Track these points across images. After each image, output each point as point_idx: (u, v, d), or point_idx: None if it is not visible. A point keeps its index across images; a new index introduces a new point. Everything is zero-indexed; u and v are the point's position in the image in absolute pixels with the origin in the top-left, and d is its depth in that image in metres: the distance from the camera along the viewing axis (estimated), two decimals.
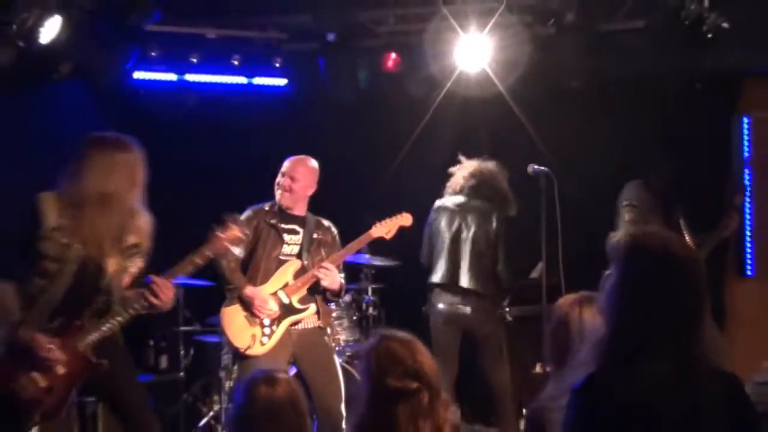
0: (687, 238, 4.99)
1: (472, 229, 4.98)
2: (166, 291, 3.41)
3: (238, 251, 4.26)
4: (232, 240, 3.64)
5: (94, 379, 3.44)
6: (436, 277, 5.01)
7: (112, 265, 3.42)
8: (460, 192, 5.05)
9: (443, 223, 5.02)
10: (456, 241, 4.99)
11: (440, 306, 5.01)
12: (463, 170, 5.08)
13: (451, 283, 4.96)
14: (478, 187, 5.02)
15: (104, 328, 3.41)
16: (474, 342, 5.04)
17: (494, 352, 5.05)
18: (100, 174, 3.37)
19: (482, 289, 4.95)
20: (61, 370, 3.35)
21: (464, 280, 4.93)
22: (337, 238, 4.53)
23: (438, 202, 5.12)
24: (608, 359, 1.96)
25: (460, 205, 5.03)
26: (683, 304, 1.97)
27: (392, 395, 2.33)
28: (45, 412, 3.37)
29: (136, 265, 3.51)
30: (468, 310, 4.98)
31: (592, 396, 1.94)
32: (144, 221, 3.51)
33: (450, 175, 5.12)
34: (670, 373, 1.90)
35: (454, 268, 4.96)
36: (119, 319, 3.43)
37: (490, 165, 5.07)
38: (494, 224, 4.96)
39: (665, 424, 1.88)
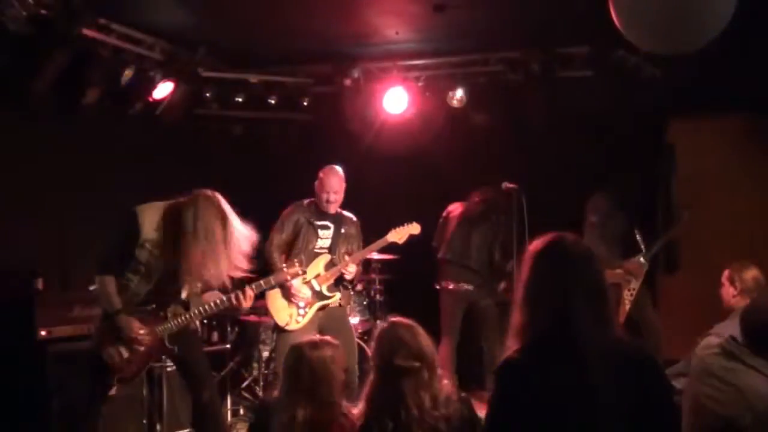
0: (639, 240, 5.01)
1: (480, 227, 5.20)
2: (249, 299, 3.51)
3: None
4: (293, 275, 3.82)
5: (176, 353, 3.52)
6: (449, 255, 5.20)
7: (191, 281, 3.42)
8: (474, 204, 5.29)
9: (455, 219, 5.25)
10: (468, 232, 5.19)
11: (451, 285, 5.19)
12: (479, 193, 5.31)
13: (461, 263, 5.16)
14: (486, 203, 5.25)
15: (181, 321, 3.46)
16: (476, 313, 5.21)
17: (492, 323, 5.19)
18: (205, 223, 3.22)
19: (483, 270, 5.17)
20: (141, 348, 3.41)
21: (472, 262, 5.15)
22: (359, 227, 4.52)
23: (451, 206, 5.34)
24: (523, 344, 1.88)
25: (469, 210, 5.26)
26: (579, 294, 1.83)
27: (399, 372, 2.36)
28: (122, 377, 3.44)
29: (206, 286, 3.49)
30: (472, 286, 5.16)
31: (508, 376, 1.86)
32: (223, 267, 3.31)
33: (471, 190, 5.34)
34: (573, 354, 1.79)
35: (465, 251, 5.17)
36: (194, 317, 3.50)
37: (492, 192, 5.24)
38: (491, 225, 5.20)
39: (570, 396, 1.78)
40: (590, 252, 1.95)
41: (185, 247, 3.21)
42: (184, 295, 3.48)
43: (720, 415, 2.52)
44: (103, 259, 3.40)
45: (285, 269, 3.75)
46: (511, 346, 1.91)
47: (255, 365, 5.38)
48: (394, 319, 2.51)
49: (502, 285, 5.31)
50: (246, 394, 5.37)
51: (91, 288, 3.55)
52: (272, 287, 3.72)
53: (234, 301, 3.46)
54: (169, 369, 4.43)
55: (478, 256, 5.18)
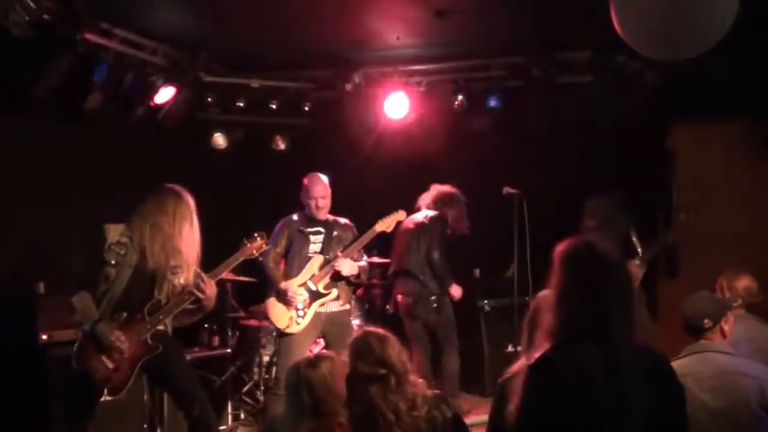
0: (636, 243, 5.00)
1: (420, 234, 4.99)
2: (210, 286, 3.51)
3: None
4: (257, 249, 3.78)
5: (151, 363, 3.48)
6: (396, 267, 5.05)
7: (160, 275, 3.50)
8: (418, 209, 5.14)
9: (403, 231, 5.04)
10: (407, 243, 5.00)
11: (398, 297, 5.03)
12: (425, 194, 5.17)
13: (402, 270, 4.98)
14: (431, 203, 5.11)
15: (159, 320, 3.47)
16: (428, 329, 4.99)
17: (441, 339, 4.95)
18: (159, 215, 3.49)
19: (424, 276, 4.91)
20: (124, 354, 3.41)
21: (412, 267, 4.93)
22: (355, 231, 4.54)
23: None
24: (555, 343, 1.96)
25: (416, 219, 5.07)
26: (610, 298, 1.94)
27: (364, 378, 2.39)
28: (112, 387, 3.42)
29: (178, 279, 3.55)
30: (411, 299, 4.95)
31: (543, 371, 1.94)
32: (185, 252, 3.55)
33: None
34: (603, 353, 1.89)
35: (406, 258, 4.97)
36: (168, 310, 3.50)
37: (442, 187, 5.14)
38: (435, 228, 4.98)
39: (600, 393, 1.87)
40: (623, 257, 2.06)
41: (156, 239, 3.46)
42: (157, 294, 3.50)
43: None
44: (77, 276, 3.49)
45: (248, 244, 3.75)
46: (544, 345, 1.99)
47: (255, 370, 5.37)
48: (367, 328, 2.59)
49: (457, 291, 4.98)
50: (247, 399, 5.36)
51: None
52: (237, 261, 3.70)
53: (196, 291, 3.47)
54: None
55: (416, 260, 4.95)
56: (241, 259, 3.73)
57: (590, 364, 1.88)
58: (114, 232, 3.49)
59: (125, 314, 3.44)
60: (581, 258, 2.00)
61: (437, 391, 2.52)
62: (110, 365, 3.39)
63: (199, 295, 3.47)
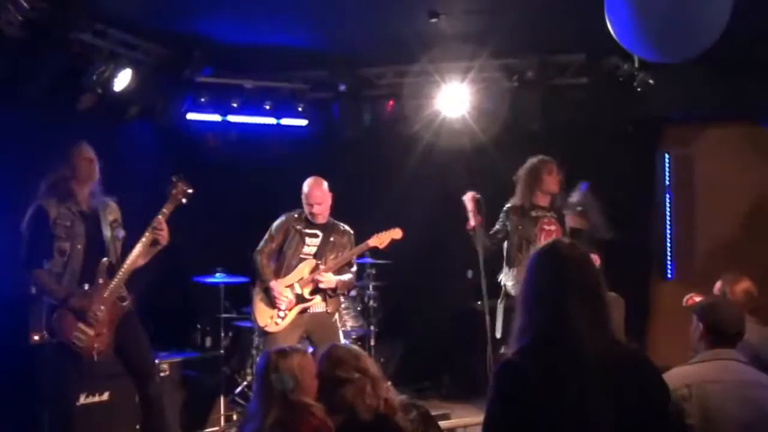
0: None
1: None
2: (164, 225, 3.72)
3: None
4: (183, 194, 3.84)
5: (121, 330, 3.69)
6: None
7: (107, 235, 3.71)
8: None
9: None
10: None
11: None
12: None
13: None
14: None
15: (119, 278, 3.66)
16: None
17: None
18: (73, 177, 3.68)
19: None
20: (100, 316, 3.61)
21: None
22: (352, 238, 4.50)
23: None
24: (520, 345, 1.92)
25: None
26: (572, 298, 1.86)
27: (341, 381, 2.51)
28: (99, 350, 3.62)
29: (121, 232, 3.79)
30: None
31: (507, 375, 1.90)
32: (113, 204, 3.80)
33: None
34: (568, 354, 1.83)
35: None
36: (134, 266, 3.69)
37: None
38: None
39: (564, 395, 1.81)
40: (586, 255, 1.98)
41: (84, 200, 3.67)
42: (111, 255, 3.69)
43: None
44: (27, 256, 3.62)
45: (173, 191, 3.78)
46: (511, 347, 1.96)
47: (248, 371, 5.35)
48: (334, 344, 2.78)
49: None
50: (239, 400, 5.33)
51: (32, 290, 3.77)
52: (170, 210, 3.79)
53: (153, 232, 3.66)
54: (162, 374, 4.42)
55: None
56: (172, 207, 3.78)
57: (554, 365, 1.84)
58: (50, 205, 3.61)
59: (87, 285, 3.60)
60: (543, 259, 1.96)
61: (404, 396, 2.59)
62: (91, 332, 3.56)
63: (155, 233, 3.67)
